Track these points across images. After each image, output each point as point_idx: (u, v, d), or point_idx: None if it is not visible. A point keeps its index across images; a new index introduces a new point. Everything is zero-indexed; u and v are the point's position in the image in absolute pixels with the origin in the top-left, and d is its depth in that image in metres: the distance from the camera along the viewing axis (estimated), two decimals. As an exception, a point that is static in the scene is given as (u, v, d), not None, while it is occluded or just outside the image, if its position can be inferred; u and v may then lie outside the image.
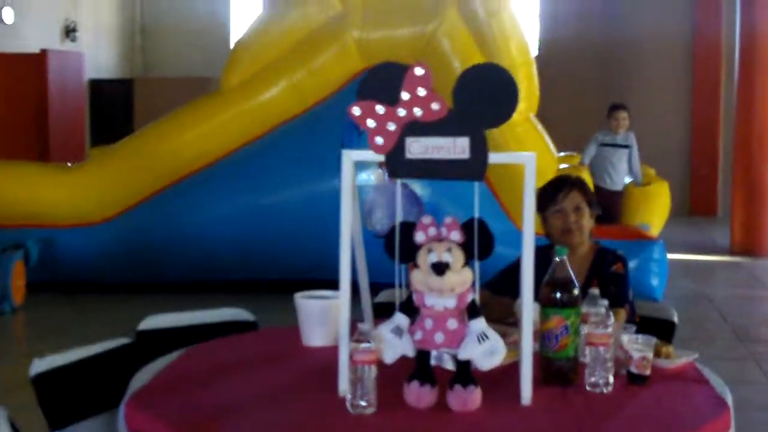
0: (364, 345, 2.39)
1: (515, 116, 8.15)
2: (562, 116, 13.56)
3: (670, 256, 8.60)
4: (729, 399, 2.56)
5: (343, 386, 2.48)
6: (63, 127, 13.68)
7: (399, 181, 2.53)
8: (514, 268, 3.42)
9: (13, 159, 10.28)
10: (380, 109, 2.45)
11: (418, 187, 8.22)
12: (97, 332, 3.61)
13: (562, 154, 10.59)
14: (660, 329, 3.64)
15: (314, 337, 3.06)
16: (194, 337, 3.34)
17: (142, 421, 2.41)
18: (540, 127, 10.08)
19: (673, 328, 3.65)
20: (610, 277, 3.51)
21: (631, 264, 7.91)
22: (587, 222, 3.58)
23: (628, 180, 9.99)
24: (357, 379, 2.40)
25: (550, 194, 3.59)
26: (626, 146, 9.89)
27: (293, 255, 8.19)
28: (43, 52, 13.22)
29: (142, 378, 2.76)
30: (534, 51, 10.16)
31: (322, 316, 3.05)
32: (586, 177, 8.50)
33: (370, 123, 2.47)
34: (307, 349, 3.05)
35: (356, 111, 2.46)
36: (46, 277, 8.59)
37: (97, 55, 16.89)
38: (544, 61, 12.72)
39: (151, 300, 8.30)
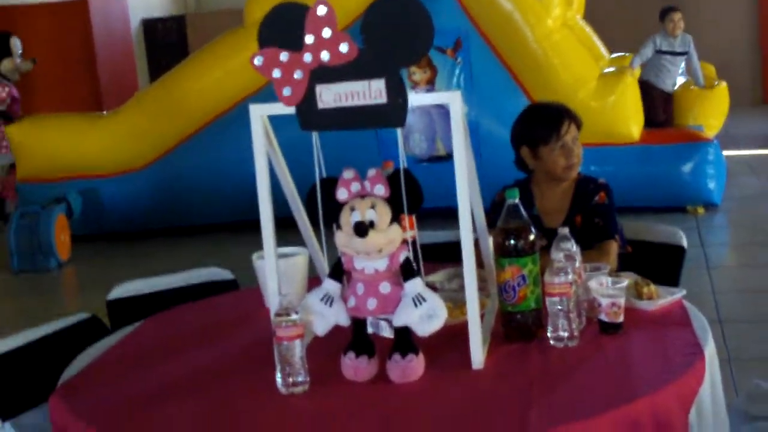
0: (286, 319, 2.18)
1: (550, 23, 7.88)
2: (615, 15, 12.97)
3: (736, 152, 8.17)
4: (708, 344, 2.28)
5: (275, 363, 2.27)
6: (113, 72, 13.62)
7: (315, 134, 2.27)
8: (498, 201, 3.17)
9: (66, 110, 10.25)
10: (284, 56, 2.19)
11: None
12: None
13: (614, 55, 10.13)
14: (669, 255, 3.37)
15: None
16: (168, 302, 3.18)
17: (63, 417, 2.24)
18: (588, 30, 9.64)
19: (683, 253, 3.35)
20: (594, 209, 3.22)
21: (686, 167, 7.65)
22: (581, 152, 3.29)
23: (681, 81, 9.53)
24: (283, 356, 2.19)
25: (550, 128, 3.25)
26: (684, 53, 9.40)
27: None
28: (84, -2, 13.13)
29: (83, 360, 2.60)
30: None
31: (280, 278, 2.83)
32: (633, 80, 8.05)
33: (276, 73, 2.21)
34: (265, 315, 2.84)
35: (258, 61, 2.21)
36: (91, 229, 8.56)
37: (146, -6, 16.77)
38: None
39: (196, 244, 8.24)
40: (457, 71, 7.77)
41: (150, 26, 16.80)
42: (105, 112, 9.48)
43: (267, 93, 7.45)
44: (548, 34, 7.78)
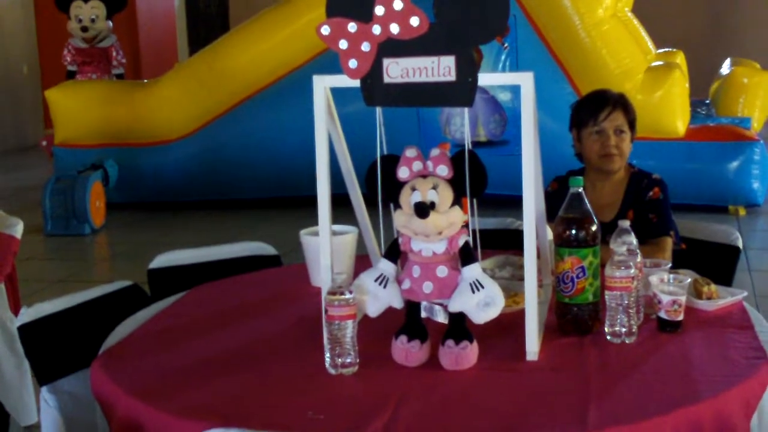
0: (339, 298, 2.12)
1: (601, 12, 7.76)
2: (662, 10, 12.79)
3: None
4: (774, 349, 2.20)
5: (324, 342, 2.21)
6: (153, 41, 13.61)
7: (379, 109, 2.20)
8: (550, 192, 3.10)
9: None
10: (352, 27, 2.13)
11: (500, 91, 7.85)
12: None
13: (660, 50, 9.99)
14: (723, 255, 3.28)
15: (316, 277, 2.79)
16: (211, 274, 3.14)
17: (103, 384, 2.20)
18: (636, 22, 9.50)
19: (737, 253, 3.26)
20: (648, 205, 3.14)
21: (730, 166, 7.52)
22: (627, 146, 3.21)
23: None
24: (333, 336, 2.13)
25: (589, 112, 3.21)
26: None
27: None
28: (130, -34, 13.11)
29: (125, 328, 2.55)
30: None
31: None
32: (681, 75, 7.90)
33: (342, 44, 2.14)
34: (312, 292, 2.79)
35: (325, 30, 2.15)
36: (126, 198, 8.54)
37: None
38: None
39: (230, 218, 8.21)
40: (503, 57, 7.68)
41: (191, -1, 16.82)
42: (145, 81, 9.44)
43: (310, 68, 7.43)
44: (598, 23, 7.66)
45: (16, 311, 3.95)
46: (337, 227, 2.84)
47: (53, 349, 2.74)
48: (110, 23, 10.08)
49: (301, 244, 2.87)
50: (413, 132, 7.42)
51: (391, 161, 2.17)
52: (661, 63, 8.28)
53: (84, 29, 9.91)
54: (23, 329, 2.70)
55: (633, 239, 2.41)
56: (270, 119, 8.21)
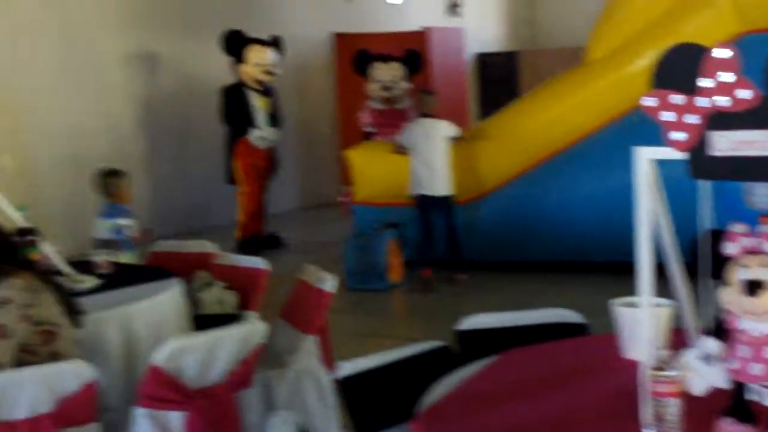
0: (663, 374, 2.09)
1: None
2: None
3: None
4: None
5: (644, 419, 2.18)
6: (446, 101, 13.94)
7: (705, 183, 2.17)
8: None
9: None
10: (678, 99, 2.12)
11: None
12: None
13: None
14: None
15: (631, 349, 2.75)
16: (517, 339, 3.17)
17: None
18: None
19: None
20: None
21: None
22: None
23: None
24: (657, 413, 2.10)
25: None
26: None
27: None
28: (426, 29, 13.58)
29: (441, 389, 2.63)
30: None
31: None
32: None
33: (667, 116, 2.14)
34: (624, 363, 2.75)
35: (650, 102, 2.15)
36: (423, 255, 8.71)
37: (483, 29, 17.19)
38: None
39: (522, 279, 8.18)
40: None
41: (483, 60, 17.18)
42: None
43: (603, 134, 7.17)
44: None
45: (328, 364, 4.15)
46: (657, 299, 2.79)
47: (372, 403, 2.86)
48: (410, 84, 10.35)
49: (610, 313, 2.85)
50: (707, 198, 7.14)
51: (718, 236, 2.13)
52: None
53: (386, 88, 10.22)
54: (343, 382, 2.85)
55: None
56: (562, 184, 8.16)
